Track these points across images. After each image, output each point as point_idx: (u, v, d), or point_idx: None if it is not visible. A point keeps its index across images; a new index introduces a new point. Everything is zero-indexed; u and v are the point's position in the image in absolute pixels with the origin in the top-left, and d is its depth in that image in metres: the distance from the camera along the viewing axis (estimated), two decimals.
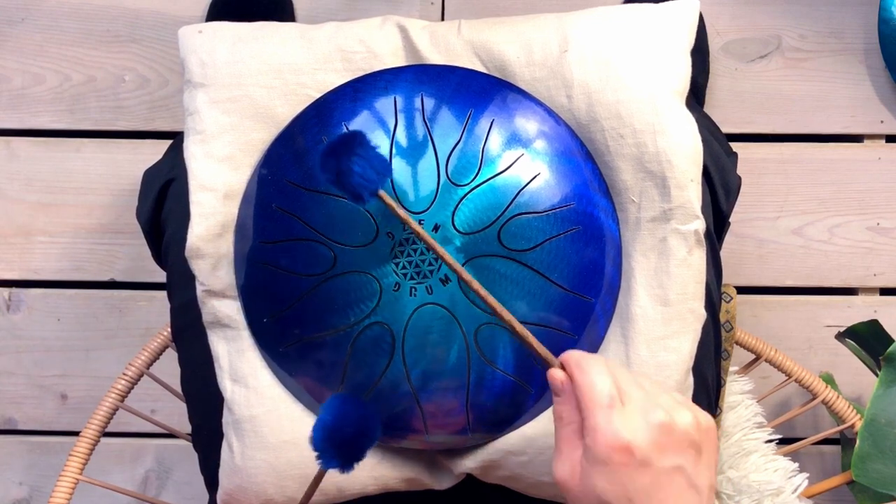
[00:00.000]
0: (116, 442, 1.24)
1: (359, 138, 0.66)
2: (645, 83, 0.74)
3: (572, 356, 0.62)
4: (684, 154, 0.73)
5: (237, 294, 0.76)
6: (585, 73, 0.75)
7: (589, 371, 0.60)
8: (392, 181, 0.73)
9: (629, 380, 0.60)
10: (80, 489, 0.91)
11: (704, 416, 0.60)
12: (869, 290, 1.21)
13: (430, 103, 0.75)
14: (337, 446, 0.63)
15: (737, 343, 0.99)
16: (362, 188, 0.66)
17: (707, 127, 0.83)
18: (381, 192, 0.66)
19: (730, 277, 1.10)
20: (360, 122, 0.75)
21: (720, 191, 0.80)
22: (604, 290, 0.74)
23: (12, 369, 1.23)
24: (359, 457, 0.64)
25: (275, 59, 0.77)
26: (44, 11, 1.20)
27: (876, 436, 0.90)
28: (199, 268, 0.75)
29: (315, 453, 0.63)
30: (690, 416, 0.59)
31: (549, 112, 0.76)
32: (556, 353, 0.74)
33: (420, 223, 0.72)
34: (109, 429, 0.94)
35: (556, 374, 0.62)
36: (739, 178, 0.84)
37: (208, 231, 0.75)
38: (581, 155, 0.75)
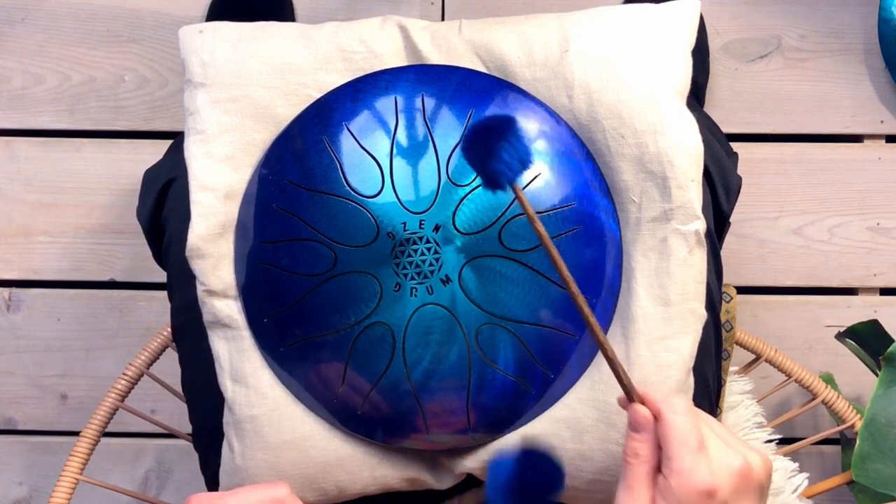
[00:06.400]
0: (116, 442, 1.23)
1: (513, 126, 0.61)
2: (646, 83, 0.74)
3: (659, 393, 0.61)
4: (685, 154, 0.73)
5: (238, 294, 0.76)
6: (586, 73, 0.75)
7: (681, 412, 0.59)
8: (392, 182, 0.73)
9: (704, 422, 0.61)
10: (80, 489, 0.91)
11: (767, 458, 0.61)
12: (869, 290, 1.21)
13: (430, 103, 0.75)
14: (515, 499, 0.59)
15: (737, 343, 0.99)
16: (503, 176, 0.61)
17: (707, 127, 0.83)
18: (516, 186, 0.61)
19: (730, 277, 1.10)
20: (360, 122, 0.75)
21: (721, 191, 0.80)
22: (604, 290, 0.74)
23: (12, 369, 1.23)
24: None
25: (276, 59, 0.77)
26: (44, 11, 1.20)
27: (876, 436, 0.90)
28: (200, 268, 0.75)
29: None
30: (760, 459, 0.60)
31: (550, 112, 0.76)
32: (557, 355, 0.74)
33: (420, 223, 0.72)
34: (109, 429, 0.94)
35: (640, 410, 0.61)
36: (740, 179, 0.84)
37: (209, 231, 0.75)
38: (582, 155, 0.75)
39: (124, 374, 0.94)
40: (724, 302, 0.96)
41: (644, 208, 0.74)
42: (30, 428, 1.24)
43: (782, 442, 1.02)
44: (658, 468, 0.59)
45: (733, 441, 0.60)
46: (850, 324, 1.07)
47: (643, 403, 0.61)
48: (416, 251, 0.72)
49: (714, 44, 1.19)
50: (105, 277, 1.21)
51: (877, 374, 0.93)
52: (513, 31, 0.77)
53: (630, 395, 0.62)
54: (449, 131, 0.74)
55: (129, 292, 1.22)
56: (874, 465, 0.90)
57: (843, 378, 1.15)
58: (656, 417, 0.60)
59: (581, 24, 0.77)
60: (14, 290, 1.22)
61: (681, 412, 0.59)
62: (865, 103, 1.19)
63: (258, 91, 0.76)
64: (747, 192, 0.95)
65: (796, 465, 0.97)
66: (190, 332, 0.79)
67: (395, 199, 0.72)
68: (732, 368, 1.02)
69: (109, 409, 0.93)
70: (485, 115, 0.65)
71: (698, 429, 0.59)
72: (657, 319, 0.73)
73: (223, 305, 0.75)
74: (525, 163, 0.61)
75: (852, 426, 0.96)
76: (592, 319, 0.61)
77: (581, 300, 0.61)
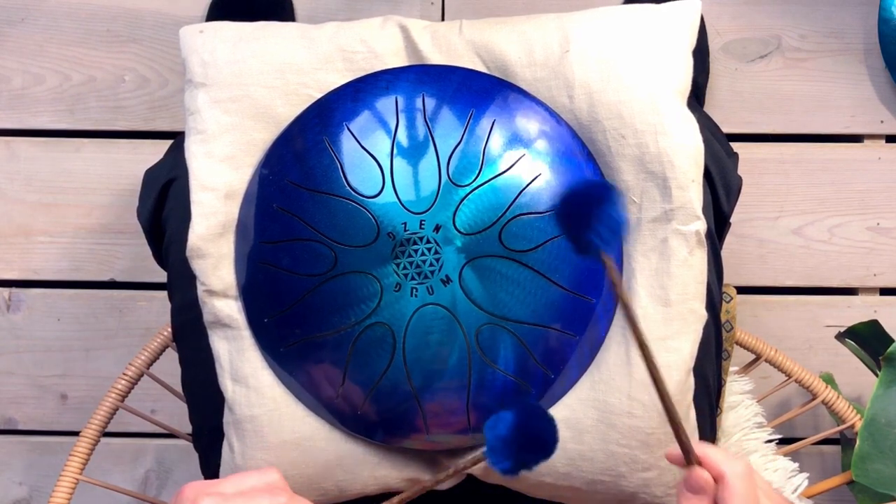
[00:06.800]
0: (116, 442, 1.23)
1: (612, 196, 0.59)
2: (646, 83, 0.74)
3: (718, 454, 0.61)
4: (686, 154, 0.73)
5: (238, 294, 0.76)
6: (587, 74, 0.75)
7: (742, 475, 0.60)
8: (393, 182, 0.73)
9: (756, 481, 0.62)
10: (80, 489, 0.91)
11: None
12: (869, 290, 1.21)
13: (431, 103, 0.75)
14: (514, 448, 0.59)
15: (737, 343, 0.99)
16: (592, 245, 0.59)
17: (708, 127, 0.83)
18: (605, 256, 0.60)
19: (730, 277, 1.10)
20: (361, 122, 0.75)
21: (721, 191, 0.80)
22: (605, 290, 0.74)
23: (12, 369, 1.23)
24: (529, 465, 0.59)
25: (276, 59, 0.77)
26: (44, 11, 1.20)
27: (876, 436, 0.90)
28: (200, 267, 0.75)
29: (486, 448, 0.59)
30: None
31: (551, 112, 0.76)
32: (557, 355, 0.74)
33: (421, 223, 0.72)
34: (109, 429, 0.94)
35: (702, 475, 0.61)
36: (740, 179, 0.84)
37: (209, 231, 0.75)
38: (582, 155, 0.75)
39: (124, 374, 0.94)
40: (724, 302, 0.96)
41: (644, 209, 0.74)
42: (30, 428, 1.24)
43: (782, 442, 1.02)
44: None
45: (777, 498, 0.62)
46: (850, 324, 1.07)
47: (700, 464, 0.61)
48: (416, 251, 0.72)
49: (714, 44, 1.19)
50: (105, 277, 1.21)
51: (877, 374, 0.93)
52: (513, 32, 0.77)
53: (689, 457, 0.62)
54: (449, 131, 0.74)
55: (129, 292, 1.22)
56: (874, 465, 0.90)
57: (843, 378, 1.15)
58: (716, 479, 0.60)
59: (581, 24, 0.77)
60: (14, 290, 1.22)
61: (741, 476, 0.60)
62: (865, 103, 1.19)
63: (259, 91, 0.76)
64: (747, 192, 0.95)
65: (796, 465, 0.97)
66: (190, 333, 0.79)
67: (396, 200, 0.72)
68: (732, 368, 1.02)
69: (109, 409, 0.93)
70: (582, 181, 0.66)
71: (756, 492, 0.60)
72: (657, 320, 0.73)
73: (223, 305, 0.75)
74: (617, 232, 0.59)
75: (852, 426, 0.96)
76: (660, 375, 0.61)
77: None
